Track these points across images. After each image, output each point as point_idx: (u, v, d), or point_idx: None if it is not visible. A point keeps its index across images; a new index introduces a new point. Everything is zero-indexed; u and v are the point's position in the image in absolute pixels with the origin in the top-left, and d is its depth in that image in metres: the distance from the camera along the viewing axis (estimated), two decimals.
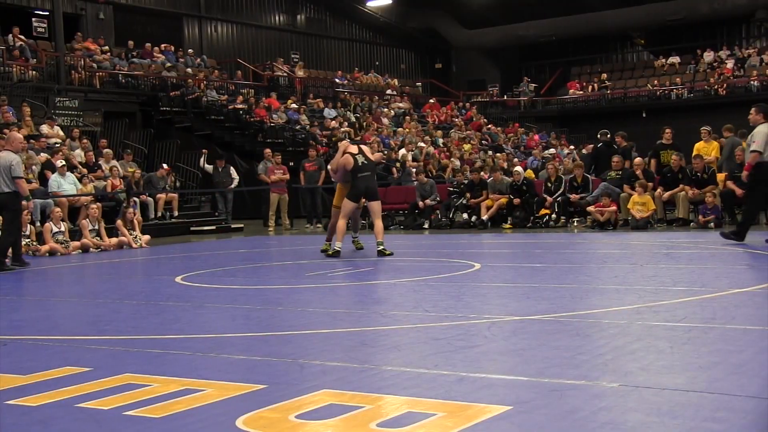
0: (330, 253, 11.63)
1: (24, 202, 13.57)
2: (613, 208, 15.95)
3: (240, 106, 27.35)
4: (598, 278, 8.90)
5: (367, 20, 40.58)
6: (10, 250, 12.19)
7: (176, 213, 20.01)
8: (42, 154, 17.99)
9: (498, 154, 27.61)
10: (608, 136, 18.49)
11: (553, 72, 43.24)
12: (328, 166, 11.80)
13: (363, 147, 12.06)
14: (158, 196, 19.33)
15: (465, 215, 18.36)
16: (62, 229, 15.23)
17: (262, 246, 15.96)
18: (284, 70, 32.99)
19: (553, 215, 17.24)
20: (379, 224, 11.68)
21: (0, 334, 6.44)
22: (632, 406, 3.70)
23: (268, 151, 21.53)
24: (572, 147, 33.42)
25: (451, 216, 18.77)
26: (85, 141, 19.98)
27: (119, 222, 16.19)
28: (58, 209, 15.66)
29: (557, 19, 38.58)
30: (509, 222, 17.59)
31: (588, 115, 38.09)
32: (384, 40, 41.97)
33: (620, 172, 16.73)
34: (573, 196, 17.00)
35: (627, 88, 38.63)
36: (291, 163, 22.57)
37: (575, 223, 17.07)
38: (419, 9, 40.90)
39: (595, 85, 39.30)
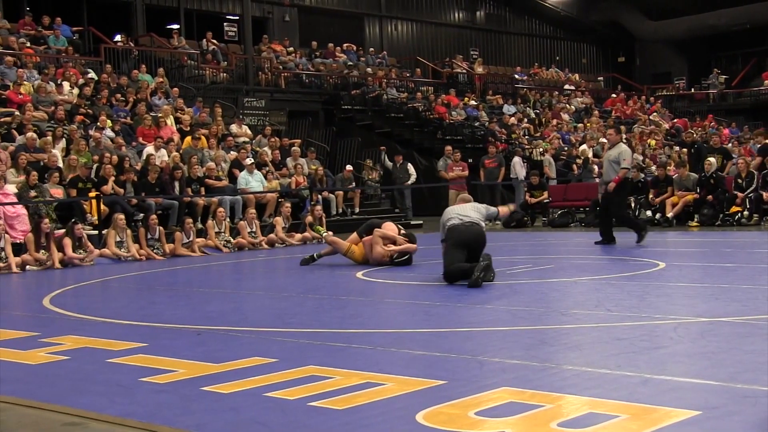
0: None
1: None
2: None
3: (419, 103, 27.62)
4: None
5: (548, 15, 40.05)
6: None
7: (357, 209, 20.43)
8: (231, 152, 18.83)
9: (684, 150, 26.54)
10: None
11: (747, 62, 41.08)
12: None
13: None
14: (336, 192, 19.81)
15: (649, 212, 17.79)
16: (254, 229, 15.88)
17: (440, 243, 15.99)
18: (463, 67, 33.04)
19: (745, 212, 16.44)
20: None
21: (195, 324, 6.80)
22: None
23: (448, 148, 21.67)
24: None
25: (635, 213, 18.21)
26: (274, 139, 20.69)
27: (309, 218, 16.68)
28: (253, 211, 16.28)
29: (752, 6, 36.54)
30: (696, 220, 16.90)
31: None
32: (564, 35, 41.27)
33: None
34: (766, 193, 16.13)
35: None
36: (470, 160, 22.59)
37: None
38: (602, 1, 39.98)
39: None
